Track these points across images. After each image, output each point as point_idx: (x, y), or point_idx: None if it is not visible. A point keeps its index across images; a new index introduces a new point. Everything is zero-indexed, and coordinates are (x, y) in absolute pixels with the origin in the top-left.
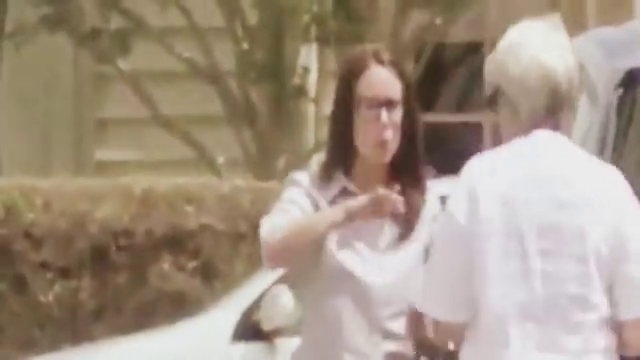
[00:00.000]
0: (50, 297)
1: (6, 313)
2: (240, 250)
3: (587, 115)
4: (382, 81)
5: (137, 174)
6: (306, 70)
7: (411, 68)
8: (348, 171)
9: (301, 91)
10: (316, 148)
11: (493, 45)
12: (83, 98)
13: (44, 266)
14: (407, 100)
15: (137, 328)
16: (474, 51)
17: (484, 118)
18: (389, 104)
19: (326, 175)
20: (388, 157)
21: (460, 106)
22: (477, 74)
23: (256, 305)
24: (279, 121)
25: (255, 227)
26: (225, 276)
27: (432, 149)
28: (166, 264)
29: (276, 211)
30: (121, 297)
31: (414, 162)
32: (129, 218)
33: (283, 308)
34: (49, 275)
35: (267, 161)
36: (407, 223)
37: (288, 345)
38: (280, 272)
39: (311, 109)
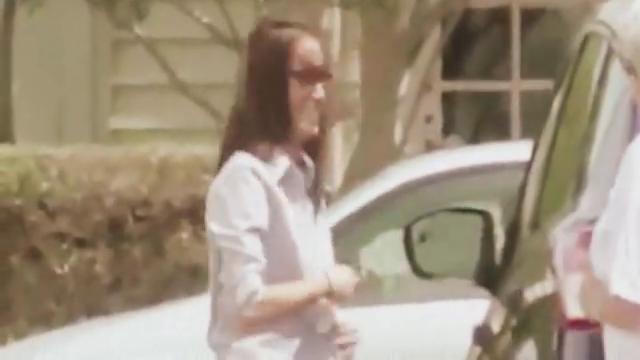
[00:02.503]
0: (65, 269)
1: (20, 285)
2: None
3: (619, 87)
4: (316, 53)
5: (154, 143)
6: (329, 34)
7: (438, 34)
8: (281, 146)
9: None
10: (340, 115)
11: (520, 11)
12: (99, 64)
13: (59, 237)
14: (330, 73)
15: (154, 301)
16: (501, 17)
17: (512, 86)
18: (322, 77)
19: (271, 155)
20: (317, 130)
21: (488, 73)
22: (505, 41)
23: None
24: None
25: None
26: None
27: (459, 117)
28: (184, 235)
29: (243, 259)
30: (138, 269)
31: (326, 136)
32: (146, 188)
33: None
34: (64, 246)
35: None
36: (317, 199)
37: None
38: None
39: (334, 75)
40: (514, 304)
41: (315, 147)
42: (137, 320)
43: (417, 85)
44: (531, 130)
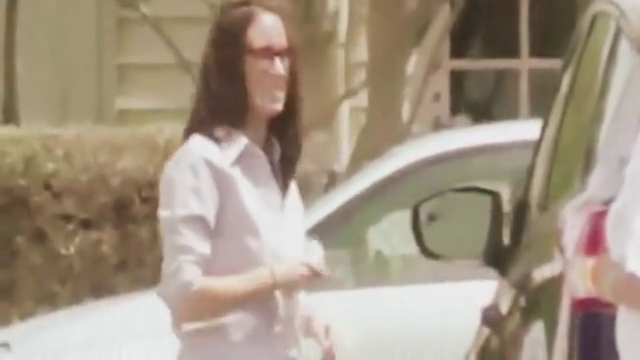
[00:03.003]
0: (71, 250)
1: (25, 267)
2: None
3: (628, 66)
4: (274, 29)
5: (160, 123)
6: (336, 14)
7: (446, 13)
8: (238, 126)
9: (331, 36)
10: (347, 95)
11: None
12: (104, 44)
13: (64, 218)
14: (292, 49)
15: (160, 282)
16: None
17: (521, 64)
18: (281, 53)
19: (228, 136)
20: (280, 107)
21: (496, 52)
22: (513, 19)
23: None
24: (308, 67)
25: None
26: None
27: (468, 96)
28: None
29: (179, 249)
30: (144, 250)
31: (295, 114)
32: (153, 169)
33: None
34: (70, 227)
35: None
36: (285, 180)
37: (317, 300)
38: (308, 225)
39: (341, 55)
40: (523, 285)
41: (282, 126)
42: (143, 301)
43: (425, 64)
44: (540, 109)
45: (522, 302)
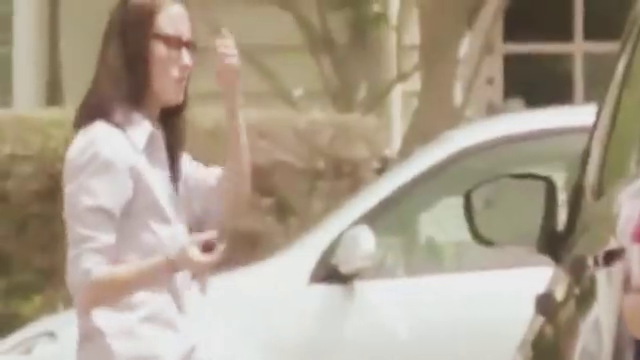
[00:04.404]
0: None
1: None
2: (317, 188)
3: None
4: (182, 19)
5: (207, 106)
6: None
7: None
8: (136, 109)
9: (382, 18)
10: (398, 78)
11: None
12: None
13: None
14: (193, 42)
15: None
16: None
17: (575, 48)
18: (187, 44)
19: (130, 121)
20: (181, 98)
21: (550, 35)
22: (568, 2)
23: (334, 246)
24: (359, 50)
25: (334, 163)
26: (301, 215)
27: (521, 80)
28: None
29: (80, 237)
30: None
31: (185, 107)
32: (198, 155)
33: (362, 249)
34: None
35: (347, 92)
36: (174, 165)
37: (368, 288)
38: (359, 212)
39: (392, 37)
40: (578, 272)
41: (173, 117)
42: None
43: (478, 47)
44: (594, 93)
45: (577, 290)
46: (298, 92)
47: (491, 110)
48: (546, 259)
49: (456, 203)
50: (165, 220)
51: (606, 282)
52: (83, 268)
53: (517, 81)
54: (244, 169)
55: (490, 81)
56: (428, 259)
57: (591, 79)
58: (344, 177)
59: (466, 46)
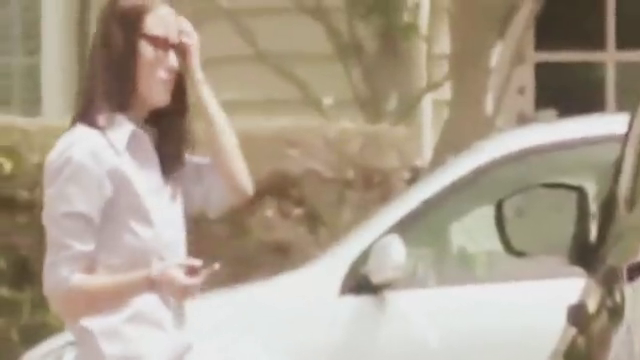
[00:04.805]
0: None
1: None
2: (347, 198)
3: None
4: (170, 21)
5: (236, 116)
6: (417, 5)
7: (531, 3)
8: (121, 110)
9: (412, 27)
10: (429, 88)
11: None
12: None
13: None
14: (184, 45)
15: (237, 279)
16: None
17: (608, 56)
18: (174, 47)
19: (112, 124)
20: (167, 101)
21: (582, 44)
22: (600, 10)
23: (365, 256)
24: (389, 59)
25: (364, 173)
26: (331, 225)
27: (553, 89)
28: (268, 212)
29: (58, 244)
30: (220, 246)
31: (185, 112)
32: None
33: (393, 260)
34: None
35: (377, 102)
36: (168, 168)
37: (398, 298)
38: (390, 221)
39: (422, 46)
40: (610, 283)
41: (167, 122)
42: (219, 299)
43: (509, 56)
44: (627, 102)
45: (609, 301)
46: (328, 101)
47: (522, 120)
48: (578, 270)
49: (487, 213)
50: (148, 221)
51: (633, 294)
52: (60, 276)
53: (549, 90)
54: (223, 146)
55: (521, 90)
56: (459, 269)
57: (623, 88)
58: (374, 187)
59: (497, 55)
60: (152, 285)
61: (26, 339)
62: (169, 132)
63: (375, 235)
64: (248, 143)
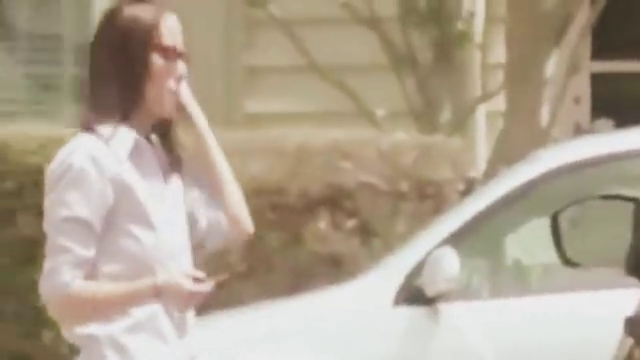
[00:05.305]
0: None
1: None
2: (401, 209)
3: None
4: (177, 30)
5: (290, 127)
6: (472, 14)
7: (587, 12)
8: (126, 121)
9: (466, 37)
10: (483, 98)
11: None
12: (234, 45)
13: None
14: (186, 54)
15: (290, 291)
16: None
17: None
18: (182, 55)
19: (115, 133)
20: (174, 112)
21: (638, 53)
22: None
23: (419, 268)
24: (443, 69)
25: (418, 185)
26: (384, 237)
27: (609, 99)
28: (322, 224)
29: (58, 249)
30: (273, 258)
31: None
32: (282, 175)
33: (447, 271)
34: None
35: (430, 113)
36: (168, 172)
37: (452, 310)
38: (444, 233)
39: (477, 56)
40: None
41: (164, 128)
42: (272, 310)
43: (565, 66)
44: None
45: None
46: (381, 112)
47: (578, 130)
48: (635, 281)
49: (543, 224)
50: (151, 228)
51: None
52: (59, 280)
53: (605, 100)
54: (219, 182)
55: (577, 100)
56: (514, 281)
57: None
58: (428, 198)
59: (552, 65)
60: (158, 293)
61: (76, 352)
62: (166, 137)
63: (429, 247)
64: (302, 155)
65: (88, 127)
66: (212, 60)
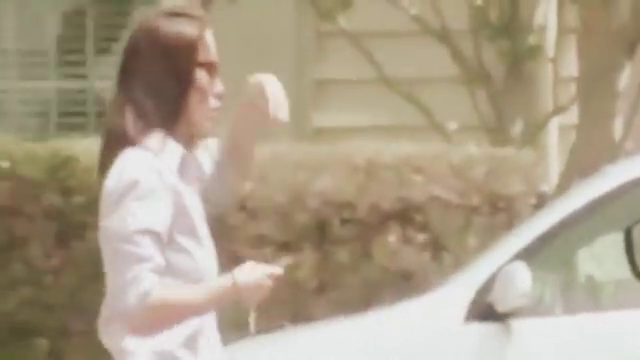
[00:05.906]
0: None
1: None
2: (472, 223)
3: None
4: (213, 45)
5: (360, 141)
6: (543, 27)
7: None
8: (170, 135)
9: (537, 50)
10: (555, 111)
11: None
12: (303, 58)
13: (261, 240)
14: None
15: (361, 306)
16: None
17: None
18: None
19: (163, 146)
20: (212, 128)
21: None
22: None
23: (490, 283)
24: (514, 83)
25: (489, 199)
26: (455, 251)
27: None
28: (393, 239)
29: (136, 259)
30: (344, 273)
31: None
32: (352, 189)
33: (519, 287)
34: (267, 250)
35: (502, 126)
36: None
37: (525, 327)
38: (516, 248)
39: (549, 69)
40: None
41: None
42: (343, 326)
43: (638, 78)
44: None
45: None
46: (453, 126)
47: None
48: None
49: (616, 239)
50: (199, 241)
51: None
52: (142, 289)
53: None
54: (253, 152)
55: None
56: (586, 297)
57: None
58: (499, 213)
59: (625, 77)
60: (237, 292)
61: None
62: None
63: (501, 262)
64: (373, 169)
65: (135, 141)
66: (283, 73)
